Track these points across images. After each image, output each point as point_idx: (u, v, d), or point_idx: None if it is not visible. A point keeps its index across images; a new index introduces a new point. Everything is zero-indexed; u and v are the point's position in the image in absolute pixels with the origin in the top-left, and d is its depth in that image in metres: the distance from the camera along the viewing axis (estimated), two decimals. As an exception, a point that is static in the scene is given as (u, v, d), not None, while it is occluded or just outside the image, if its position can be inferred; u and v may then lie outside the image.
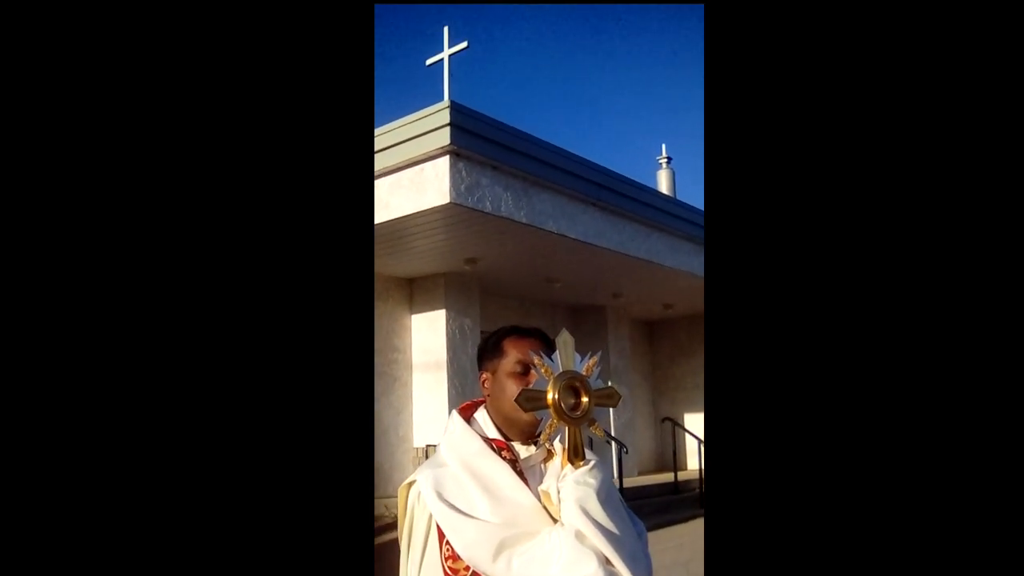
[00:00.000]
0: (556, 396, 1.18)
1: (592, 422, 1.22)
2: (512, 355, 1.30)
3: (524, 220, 6.62)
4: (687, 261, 8.81)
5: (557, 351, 1.23)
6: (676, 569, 5.57)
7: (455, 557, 1.16)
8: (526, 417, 1.22)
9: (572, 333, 1.26)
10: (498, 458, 1.23)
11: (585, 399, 1.21)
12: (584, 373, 1.23)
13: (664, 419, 11.38)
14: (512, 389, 1.25)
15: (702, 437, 9.20)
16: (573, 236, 7.16)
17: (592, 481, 1.16)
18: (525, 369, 1.28)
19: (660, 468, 11.13)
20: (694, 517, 7.70)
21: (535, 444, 1.28)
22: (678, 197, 10.60)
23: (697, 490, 9.05)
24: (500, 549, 1.12)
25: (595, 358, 1.25)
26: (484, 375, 1.33)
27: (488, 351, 1.34)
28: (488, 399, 1.33)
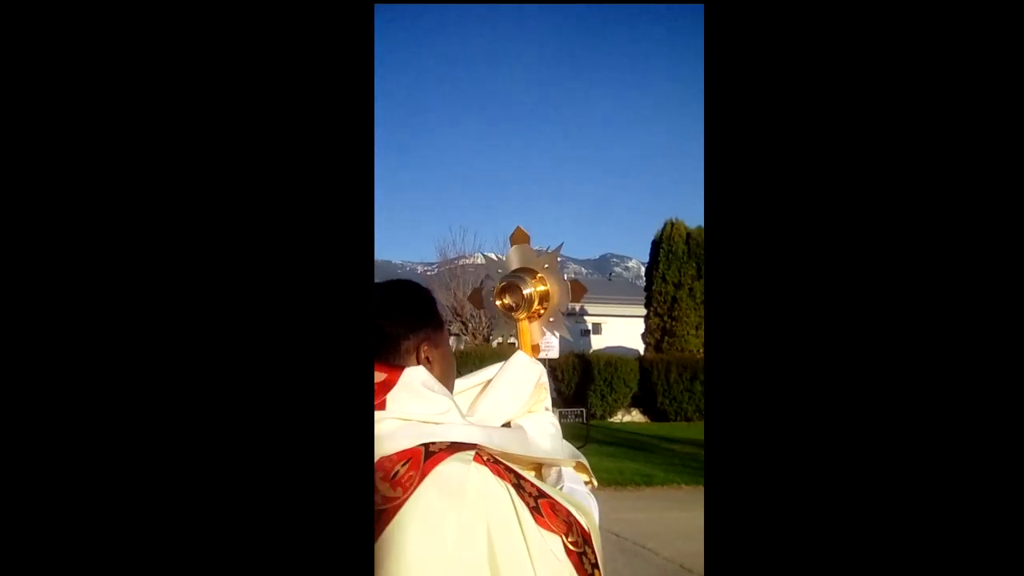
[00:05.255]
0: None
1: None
2: (442, 323, 1.09)
3: None
4: None
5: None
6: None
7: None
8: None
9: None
10: None
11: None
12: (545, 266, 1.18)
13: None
14: (451, 356, 1.08)
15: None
16: None
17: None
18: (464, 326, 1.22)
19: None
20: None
21: None
22: None
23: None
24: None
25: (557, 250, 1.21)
26: (427, 347, 1.03)
27: (429, 319, 1.05)
28: (427, 368, 1.04)
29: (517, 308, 1.20)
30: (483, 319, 17.37)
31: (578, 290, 1.19)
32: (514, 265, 1.22)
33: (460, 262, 19.17)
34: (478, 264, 19.58)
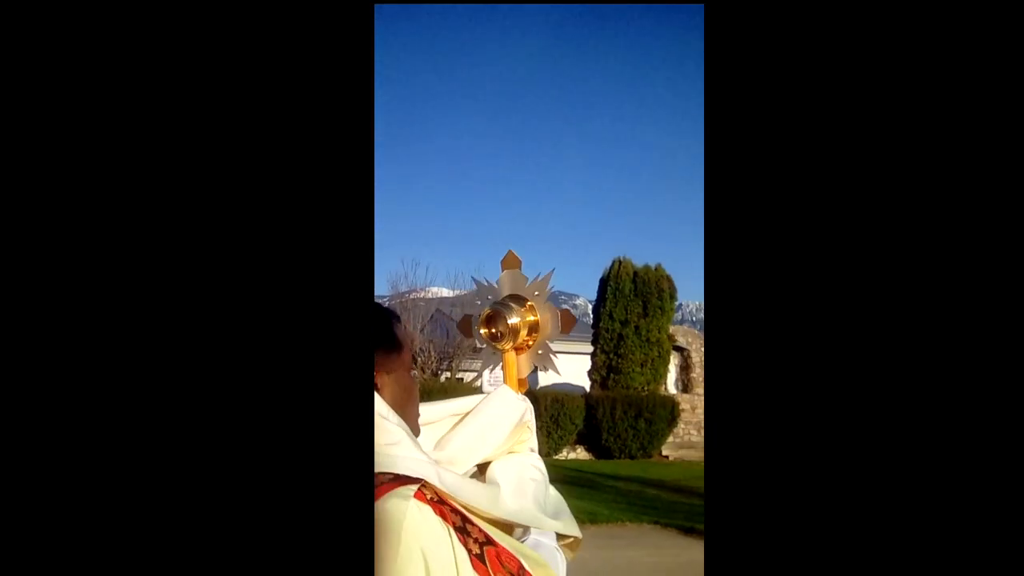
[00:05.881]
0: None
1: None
2: (407, 346, 1.02)
3: None
4: None
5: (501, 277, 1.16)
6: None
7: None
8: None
9: None
10: None
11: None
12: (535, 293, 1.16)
13: None
14: (409, 381, 1.00)
15: None
16: None
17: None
18: (412, 358, 1.14)
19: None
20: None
21: None
22: None
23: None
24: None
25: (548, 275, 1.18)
26: (377, 371, 0.95)
27: (384, 348, 0.97)
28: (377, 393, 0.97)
29: (501, 338, 1.16)
30: (432, 353, 17.12)
31: (568, 320, 1.17)
32: (506, 291, 1.19)
33: (411, 295, 18.94)
34: (429, 299, 19.39)
